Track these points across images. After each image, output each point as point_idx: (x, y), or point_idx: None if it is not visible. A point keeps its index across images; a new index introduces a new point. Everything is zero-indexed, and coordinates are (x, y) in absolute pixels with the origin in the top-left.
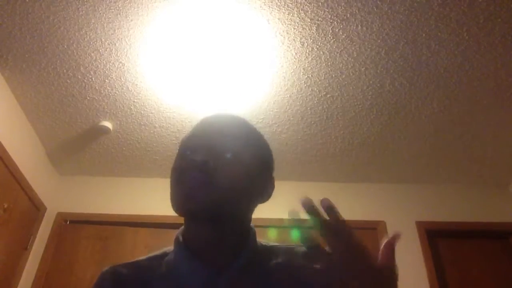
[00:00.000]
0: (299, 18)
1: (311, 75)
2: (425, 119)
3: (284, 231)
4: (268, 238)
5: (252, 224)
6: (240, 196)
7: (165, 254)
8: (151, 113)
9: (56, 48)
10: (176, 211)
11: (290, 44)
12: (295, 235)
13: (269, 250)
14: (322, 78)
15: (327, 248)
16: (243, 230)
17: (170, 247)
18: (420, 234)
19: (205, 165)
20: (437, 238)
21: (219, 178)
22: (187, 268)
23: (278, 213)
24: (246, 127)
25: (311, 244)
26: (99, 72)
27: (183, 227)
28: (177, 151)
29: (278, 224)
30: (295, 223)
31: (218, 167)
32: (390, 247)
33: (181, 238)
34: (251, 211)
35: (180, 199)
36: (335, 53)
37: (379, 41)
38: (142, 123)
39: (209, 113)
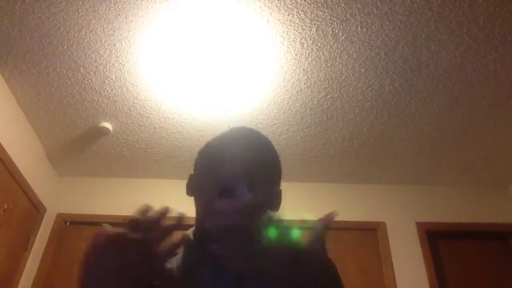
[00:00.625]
0: (299, 19)
1: (311, 76)
2: (425, 120)
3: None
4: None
5: None
6: (265, 207)
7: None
8: (151, 114)
9: (56, 49)
10: (206, 225)
11: (290, 45)
12: (295, 235)
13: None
14: (322, 79)
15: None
16: (255, 238)
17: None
18: (420, 235)
19: (249, 175)
20: (437, 239)
21: (258, 192)
22: (196, 263)
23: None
24: (266, 140)
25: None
26: (99, 73)
27: (194, 228)
28: (203, 159)
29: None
30: (295, 224)
31: (255, 180)
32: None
33: (191, 236)
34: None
35: (204, 216)
36: (335, 54)
37: (379, 42)
38: (142, 124)
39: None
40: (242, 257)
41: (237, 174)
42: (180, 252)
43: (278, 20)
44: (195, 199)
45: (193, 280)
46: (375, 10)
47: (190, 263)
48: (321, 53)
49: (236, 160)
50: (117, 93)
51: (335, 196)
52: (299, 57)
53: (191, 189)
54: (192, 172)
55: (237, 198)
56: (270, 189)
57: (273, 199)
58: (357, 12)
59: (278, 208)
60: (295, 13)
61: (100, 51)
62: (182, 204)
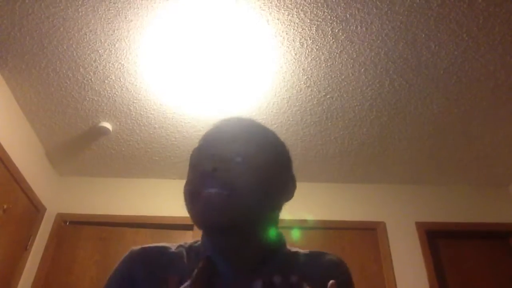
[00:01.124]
0: (299, 18)
1: (311, 76)
2: (424, 120)
3: (285, 231)
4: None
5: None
6: (258, 199)
7: (190, 249)
8: (151, 113)
9: (55, 49)
10: (196, 225)
11: (290, 44)
12: (295, 235)
13: (295, 257)
14: (322, 78)
15: None
16: (268, 235)
17: (196, 240)
18: (420, 234)
19: (215, 172)
20: (437, 238)
21: (233, 184)
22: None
23: None
24: (256, 128)
25: None
26: (98, 73)
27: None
28: (188, 163)
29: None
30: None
31: (230, 172)
32: None
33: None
34: (275, 213)
35: (197, 216)
36: (335, 53)
37: (378, 41)
38: (141, 123)
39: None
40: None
41: (201, 172)
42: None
43: (278, 19)
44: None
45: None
46: (374, 10)
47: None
48: (320, 53)
49: (206, 156)
50: (116, 92)
51: (334, 196)
52: (299, 56)
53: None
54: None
55: (208, 192)
56: (267, 175)
57: (276, 186)
58: (356, 12)
59: (292, 196)
60: (295, 13)
61: (99, 51)
62: (181, 204)
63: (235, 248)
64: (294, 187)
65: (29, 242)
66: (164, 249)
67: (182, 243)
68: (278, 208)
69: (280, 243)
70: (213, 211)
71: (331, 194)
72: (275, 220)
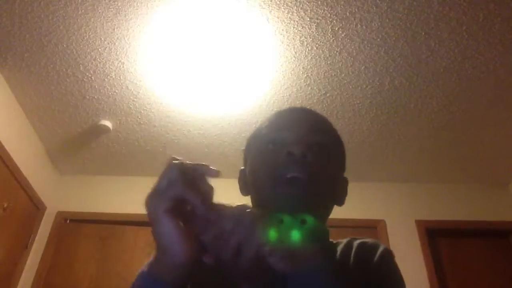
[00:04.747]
0: (299, 17)
1: (311, 74)
2: (424, 118)
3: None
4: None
5: None
6: (330, 196)
7: None
8: (151, 112)
9: (55, 47)
10: (261, 206)
11: (290, 43)
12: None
13: (335, 247)
14: (322, 77)
15: None
16: (325, 225)
17: None
18: (420, 232)
19: (305, 158)
20: (437, 236)
21: (315, 171)
22: None
23: None
24: (330, 122)
25: None
26: (98, 71)
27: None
28: (257, 139)
29: None
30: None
31: (317, 163)
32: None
33: None
34: (329, 212)
35: (275, 200)
36: (335, 52)
37: (378, 40)
38: (141, 122)
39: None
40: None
41: (289, 153)
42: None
43: (278, 18)
44: (252, 192)
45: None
46: (374, 8)
47: None
48: (320, 51)
49: (292, 141)
50: (116, 91)
51: None
52: (299, 55)
53: (245, 185)
54: (243, 167)
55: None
56: (339, 167)
57: (336, 186)
58: (356, 10)
59: (344, 200)
60: (295, 11)
61: (99, 49)
62: None
63: None
64: (345, 192)
65: (30, 241)
66: None
67: None
68: (331, 207)
69: (328, 235)
70: (296, 195)
71: None
72: (327, 217)
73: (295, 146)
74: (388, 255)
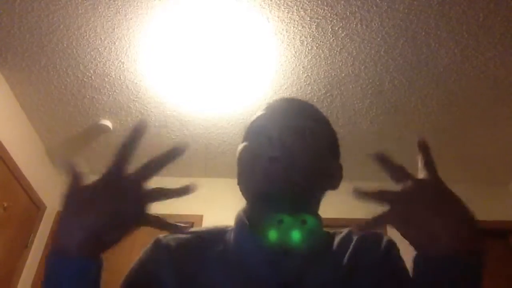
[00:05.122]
0: (299, 16)
1: (311, 74)
2: (424, 118)
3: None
4: None
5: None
6: (313, 176)
7: (223, 231)
8: (151, 111)
9: (55, 47)
10: (248, 193)
11: (290, 42)
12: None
13: (333, 237)
14: (322, 76)
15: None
16: (314, 212)
17: (228, 225)
18: None
19: (283, 141)
20: None
21: (297, 154)
22: (251, 246)
23: None
24: (317, 109)
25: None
26: (98, 71)
27: (244, 207)
28: (246, 131)
29: None
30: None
31: (294, 144)
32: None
33: (244, 217)
34: (320, 196)
35: (257, 182)
36: (335, 51)
37: (378, 39)
38: None
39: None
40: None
41: (267, 138)
42: (231, 233)
43: (278, 17)
44: (238, 178)
45: (249, 266)
46: (374, 8)
47: (245, 248)
48: (320, 51)
49: (272, 126)
50: (116, 90)
51: (334, 194)
52: (299, 54)
53: (240, 159)
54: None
55: (271, 164)
56: (326, 152)
57: (327, 168)
58: (356, 10)
59: (338, 185)
60: (295, 11)
61: (99, 49)
62: (180, 202)
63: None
64: (340, 176)
65: (30, 240)
66: (193, 234)
67: (211, 227)
68: (322, 192)
69: (321, 223)
70: (275, 182)
71: (331, 192)
72: (319, 203)
73: (275, 131)
74: (394, 245)
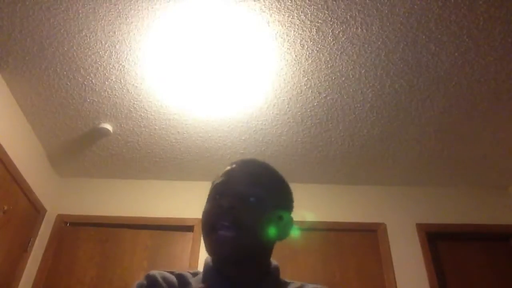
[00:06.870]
0: (299, 20)
1: (311, 77)
2: (425, 121)
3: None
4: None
5: (274, 261)
6: (263, 238)
7: (196, 273)
8: (151, 115)
9: (56, 50)
10: (209, 254)
11: (290, 46)
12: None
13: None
14: (322, 80)
15: None
16: (263, 265)
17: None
18: (420, 236)
19: (232, 210)
20: (438, 240)
21: (243, 223)
22: (218, 284)
23: None
24: (270, 172)
25: None
26: (99, 74)
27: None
28: (209, 193)
29: None
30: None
31: (243, 210)
32: None
33: (210, 262)
34: (272, 247)
35: (210, 249)
36: (335, 55)
37: (379, 43)
38: (142, 125)
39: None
40: None
41: (219, 206)
42: (201, 274)
43: (278, 21)
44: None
45: None
46: (375, 12)
47: (206, 278)
48: (321, 54)
49: (225, 193)
50: (117, 94)
51: (335, 197)
52: (299, 58)
53: (201, 221)
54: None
55: (221, 233)
56: (273, 216)
57: (281, 226)
58: (357, 14)
59: (287, 236)
60: (295, 15)
61: (100, 52)
62: (180, 205)
63: (239, 275)
64: (291, 229)
65: (29, 244)
66: (175, 274)
67: (187, 271)
68: (273, 244)
69: (275, 272)
70: (224, 248)
71: (331, 196)
72: (271, 252)
73: (226, 199)
74: None
